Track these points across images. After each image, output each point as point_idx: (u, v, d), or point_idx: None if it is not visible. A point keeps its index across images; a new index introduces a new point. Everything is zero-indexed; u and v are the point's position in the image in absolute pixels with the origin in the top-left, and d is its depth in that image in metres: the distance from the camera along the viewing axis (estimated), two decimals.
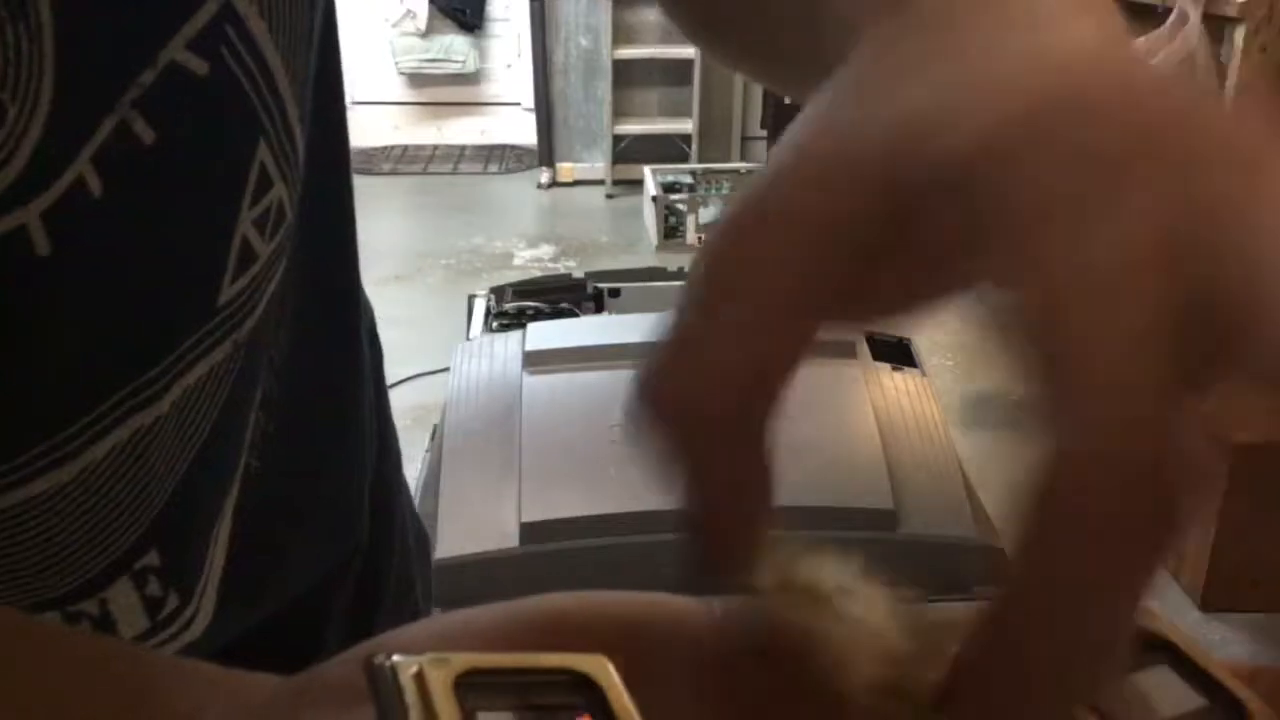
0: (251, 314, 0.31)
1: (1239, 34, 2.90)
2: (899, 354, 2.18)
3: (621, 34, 5.07)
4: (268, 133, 0.29)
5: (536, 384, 1.95)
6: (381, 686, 0.20)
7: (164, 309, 0.29)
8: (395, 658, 0.20)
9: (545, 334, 2.10)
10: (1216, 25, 2.97)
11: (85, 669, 0.22)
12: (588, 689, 0.21)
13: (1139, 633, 0.23)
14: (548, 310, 2.54)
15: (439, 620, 0.23)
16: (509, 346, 2.05)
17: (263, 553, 0.38)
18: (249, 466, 0.36)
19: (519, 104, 5.85)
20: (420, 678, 0.20)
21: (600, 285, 2.71)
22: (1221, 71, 2.68)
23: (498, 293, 2.66)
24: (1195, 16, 2.86)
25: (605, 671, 0.21)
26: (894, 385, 2.01)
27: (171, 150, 0.26)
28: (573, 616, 0.22)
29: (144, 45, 0.25)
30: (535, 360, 1.99)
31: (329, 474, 0.44)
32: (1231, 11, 2.92)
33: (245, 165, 0.29)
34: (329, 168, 0.41)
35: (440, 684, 0.20)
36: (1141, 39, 2.50)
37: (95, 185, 0.25)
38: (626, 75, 5.21)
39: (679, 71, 5.19)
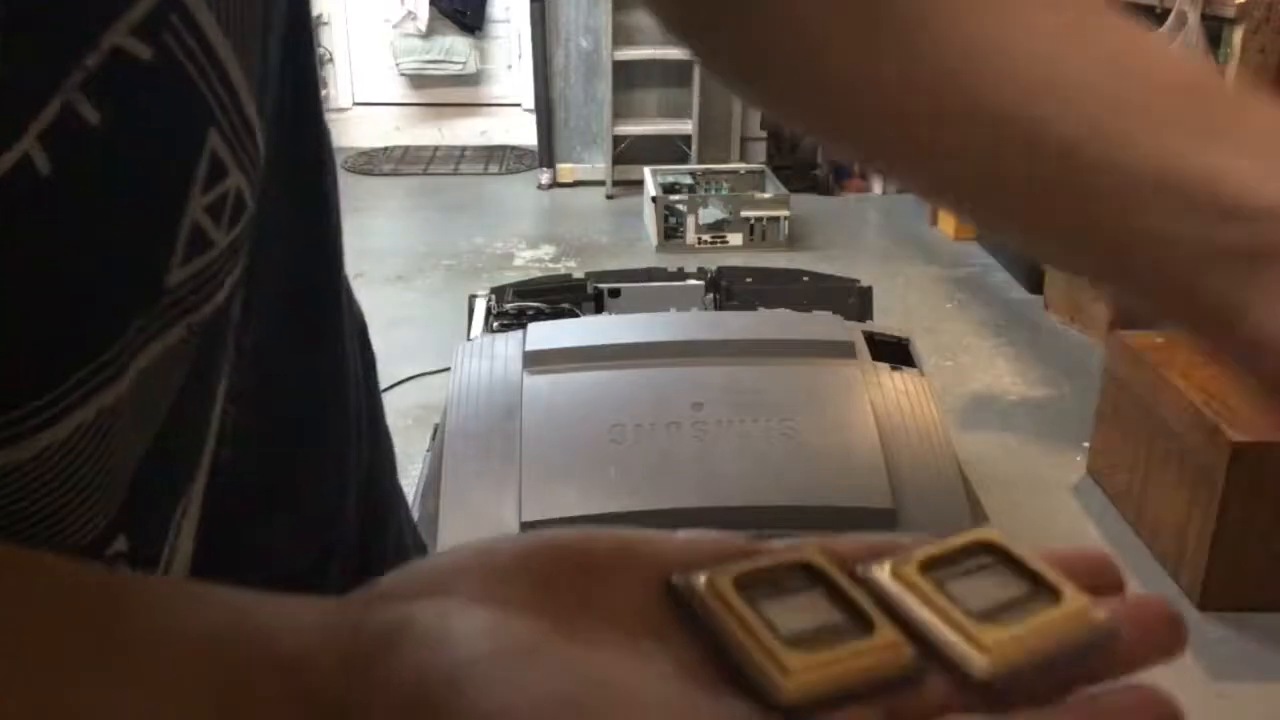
0: (209, 300, 0.32)
1: (1237, 35, 2.91)
2: (899, 354, 2.18)
3: (621, 35, 5.07)
4: (219, 122, 0.30)
5: (537, 384, 1.95)
6: (684, 593, 0.27)
7: (112, 288, 0.29)
8: (689, 574, 0.27)
9: (545, 334, 2.10)
10: (1214, 26, 2.98)
11: (162, 601, 0.26)
12: (813, 572, 0.28)
13: (976, 541, 0.29)
14: (548, 310, 2.54)
15: (455, 553, 0.27)
16: (509, 346, 2.06)
17: (232, 541, 0.38)
18: (219, 456, 0.37)
19: (519, 105, 5.86)
20: (711, 583, 0.27)
21: (600, 285, 2.71)
22: (1220, 73, 2.69)
23: (498, 293, 2.67)
24: (1194, 18, 2.86)
25: (823, 558, 0.28)
26: (894, 385, 2.01)
27: (118, 133, 0.27)
28: (574, 545, 0.27)
29: (87, 29, 0.26)
30: (535, 360, 1.99)
31: (307, 470, 0.44)
32: (1229, 13, 2.93)
33: (195, 152, 0.30)
34: (307, 167, 0.41)
35: (727, 584, 0.27)
36: None
37: (43, 163, 0.26)
38: (626, 76, 5.22)
39: (679, 72, 5.20)
